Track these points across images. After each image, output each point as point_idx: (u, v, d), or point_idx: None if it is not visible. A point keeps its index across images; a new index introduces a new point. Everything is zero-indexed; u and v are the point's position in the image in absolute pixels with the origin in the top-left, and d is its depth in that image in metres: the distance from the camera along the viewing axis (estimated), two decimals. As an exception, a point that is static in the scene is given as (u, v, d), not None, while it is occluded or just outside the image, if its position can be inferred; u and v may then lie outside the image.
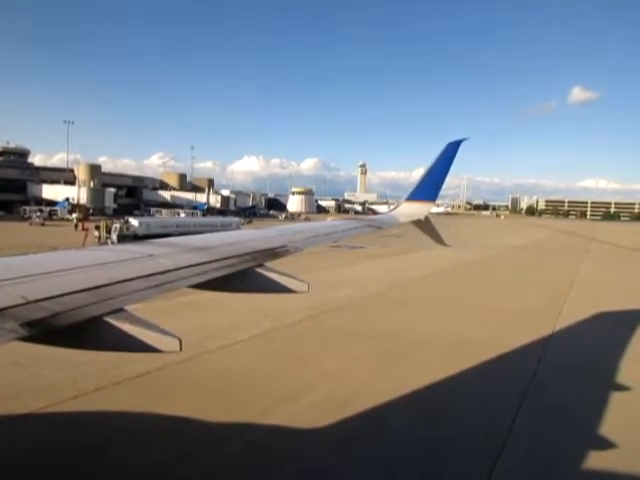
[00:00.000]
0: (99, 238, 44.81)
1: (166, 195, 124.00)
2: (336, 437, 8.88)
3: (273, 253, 5.29)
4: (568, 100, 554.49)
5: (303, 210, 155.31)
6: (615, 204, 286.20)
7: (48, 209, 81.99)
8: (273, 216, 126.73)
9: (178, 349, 3.04)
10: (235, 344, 14.32)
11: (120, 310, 3.11)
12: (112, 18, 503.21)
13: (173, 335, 3.07)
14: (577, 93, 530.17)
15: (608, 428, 9.60)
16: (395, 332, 16.44)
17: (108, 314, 3.01)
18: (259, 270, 4.70)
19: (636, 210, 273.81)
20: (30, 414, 9.14)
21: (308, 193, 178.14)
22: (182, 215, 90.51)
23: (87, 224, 52.46)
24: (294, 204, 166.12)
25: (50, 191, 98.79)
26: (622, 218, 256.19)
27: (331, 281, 25.39)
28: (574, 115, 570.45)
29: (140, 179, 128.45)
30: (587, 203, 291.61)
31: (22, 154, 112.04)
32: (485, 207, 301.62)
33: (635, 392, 11.64)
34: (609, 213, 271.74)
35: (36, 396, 9.86)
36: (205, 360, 12.66)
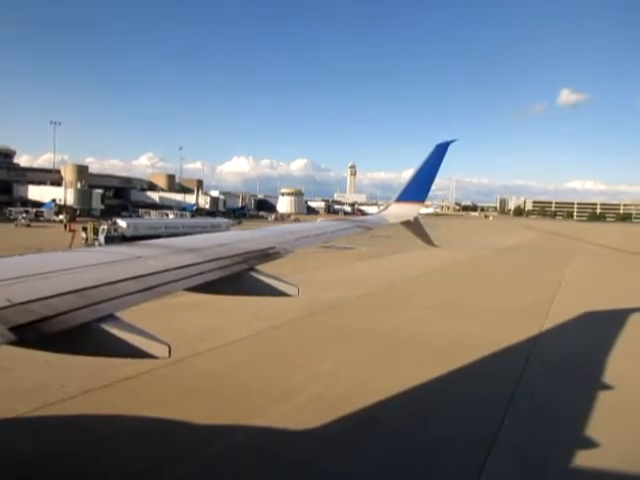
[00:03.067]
0: (86, 240, 44.34)
1: (154, 196, 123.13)
2: (326, 437, 8.87)
3: (264, 254, 5.26)
4: (557, 102, 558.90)
5: (293, 211, 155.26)
6: (601, 205, 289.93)
7: (34, 210, 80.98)
8: (263, 217, 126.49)
9: (167, 355, 3.03)
10: (225, 345, 14.25)
11: (110, 315, 3.08)
12: (99, 17, 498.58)
13: (162, 341, 3.06)
14: (566, 95, 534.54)
15: (593, 426, 9.72)
16: (387, 332, 16.47)
17: (97, 320, 2.98)
18: (251, 274, 4.69)
19: (621, 211, 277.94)
20: (15, 418, 9.00)
21: (298, 194, 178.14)
22: (171, 216, 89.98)
23: (74, 225, 51.88)
24: (284, 205, 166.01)
25: (36, 192, 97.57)
26: (607, 219, 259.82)
27: (322, 281, 25.38)
28: (562, 117, 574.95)
29: (128, 180, 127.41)
30: (574, 204, 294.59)
31: (8, 155, 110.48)
32: (474, 208, 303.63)
33: (618, 390, 11.79)
34: (595, 214, 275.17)
35: (21, 400, 9.71)
36: (195, 361, 12.56)
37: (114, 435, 8.74)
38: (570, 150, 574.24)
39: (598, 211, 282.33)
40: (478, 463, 8.17)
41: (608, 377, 12.71)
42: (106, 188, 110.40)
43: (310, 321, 17.60)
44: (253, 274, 4.70)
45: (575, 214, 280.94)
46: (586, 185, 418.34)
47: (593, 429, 9.59)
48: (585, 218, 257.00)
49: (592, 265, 42.89)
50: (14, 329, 2.53)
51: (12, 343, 2.52)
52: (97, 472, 7.56)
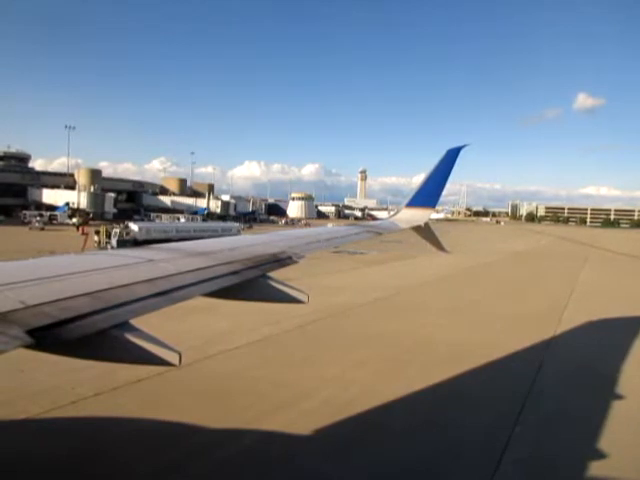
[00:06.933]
0: (99, 243, 44.81)
1: (166, 200, 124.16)
2: (333, 443, 8.83)
3: (276, 259, 5.26)
4: (572, 107, 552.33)
5: (303, 215, 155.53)
6: (615, 211, 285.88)
7: (48, 214, 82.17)
8: (273, 221, 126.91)
9: (177, 363, 3.08)
10: (235, 349, 14.27)
11: (124, 322, 3.11)
12: (113, 21, 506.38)
13: (173, 349, 3.10)
14: (582, 100, 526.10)
15: (605, 437, 9.54)
16: (395, 337, 16.38)
17: (112, 327, 3.00)
18: (262, 280, 4.70)
19: (636, 217, 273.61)
20: (28, 419, 9.09)
21: (308, 199, 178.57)
22: (182, 220, 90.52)
23: (87, 229, 52.46)
24: (294, 209, 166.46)
25: (50, 196, 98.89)
26: (622, 225, 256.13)
27: (332, 286, 25.35)
28: (578, 122, 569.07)
29: (140, 184, 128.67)
30: (587, 210, 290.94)
31: (23, 158, 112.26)
32: (485, 213, 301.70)
33: (630, 399, 11.58)
34: (609, 220, 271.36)
35: (34, 401, 9.81)
36: (205, 365, 12.60)
37: (124, 437, 8.77)
38: (585, 156, 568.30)
39: (612, 217, 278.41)
40: (489, 471, 8.05)
41: (621, 386, 12.49)
42: (119, 192, 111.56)
43: (319, 326, 17.56)
44: (264, 280, 4.71)
45: (588, 220, 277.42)
46: (600, 191, 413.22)
47: (603, 438, 9.42)
48: (599, 224, 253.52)
49: (605, 271, 42.26)
50: (32, 332, 2.56)
51: (29, 347, 2.54)
52: (107, 473, 7.59)
